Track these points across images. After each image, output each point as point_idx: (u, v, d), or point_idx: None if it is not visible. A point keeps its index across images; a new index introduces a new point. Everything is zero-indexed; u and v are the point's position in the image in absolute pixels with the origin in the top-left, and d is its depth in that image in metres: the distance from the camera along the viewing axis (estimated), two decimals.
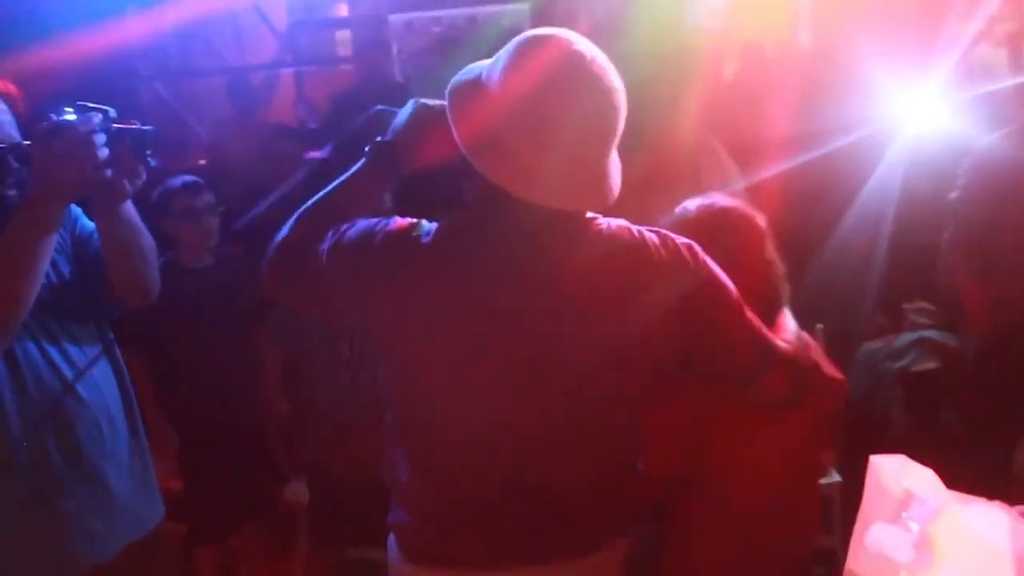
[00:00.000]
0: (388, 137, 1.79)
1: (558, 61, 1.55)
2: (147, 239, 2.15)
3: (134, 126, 1.98)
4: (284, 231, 1.79)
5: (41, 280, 1.97)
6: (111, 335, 2.26)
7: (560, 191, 1.57)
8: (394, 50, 5.42)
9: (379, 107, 1.90)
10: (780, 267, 2.01)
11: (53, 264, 2.05)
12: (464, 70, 1.68)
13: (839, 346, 2.03)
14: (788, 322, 1.93)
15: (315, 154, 4.91)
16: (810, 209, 3.52)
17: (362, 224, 1.71)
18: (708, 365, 1.78)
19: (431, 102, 1.74)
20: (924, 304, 3.52)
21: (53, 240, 1.97)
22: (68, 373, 2.10)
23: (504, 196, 1.58)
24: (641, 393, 1.75)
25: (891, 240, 3.67)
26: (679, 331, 1.68)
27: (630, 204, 1.73)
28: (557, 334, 1.64)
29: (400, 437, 1.80)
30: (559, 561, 1.74)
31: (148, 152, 1.99)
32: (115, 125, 1.94)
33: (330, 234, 1.72)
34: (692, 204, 2.04)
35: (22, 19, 4.05)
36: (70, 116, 1.91)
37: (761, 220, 2.01)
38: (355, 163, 1.81)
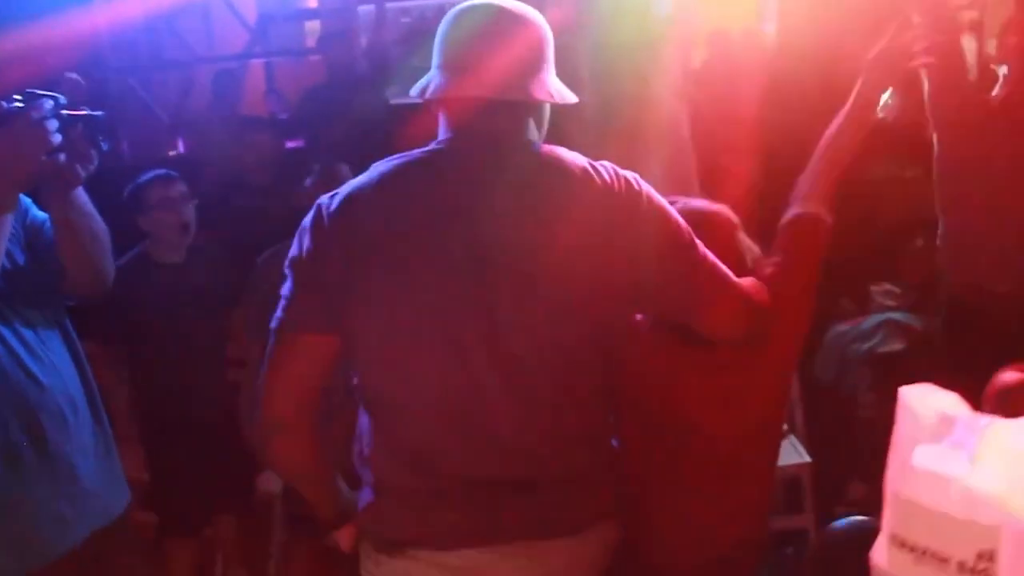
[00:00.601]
0: None
1: (483, 9, 1.73)
2: (100, 225, 2.14)
3: (85, 112, 1.97)
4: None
5: None
6: (68, 322, 2.25)
7: (480, 81, 1.69)
8: (363, 41, 5.42)
9: None
10: (756, 251, 2.02)
11: (7, 253, 2.03)
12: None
13: (811, 328, 2.05)
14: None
15: (290, 144, 4.92)
16: (779, 197, 3.56)
17: (296, 235, 1.76)
18: (655, 295, 1.77)
19: None
20: (890, 286, 3.58)
21: (8, 224, 1.97)
22: (28, 361, 2.09)
23: (443, 115, 1.74)
24: (593, 328, 1.74)
25: (857, 224, 3.72)
26: (624, 256, 1.69)
27: None
28: (504, 261, 1.66)
29: (366, 403, 1.80)
30: (528, 540, 1.73)
31: (100, 137, 1.99)
32: (66, 111, 1.94)
33: (275, 329, 1.74)
34: None
35: None
36: (19, 103, 1.90)
37: (729, 213, 2.03)
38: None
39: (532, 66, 1.73)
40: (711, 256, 1.78)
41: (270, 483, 3.50)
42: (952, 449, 1.18)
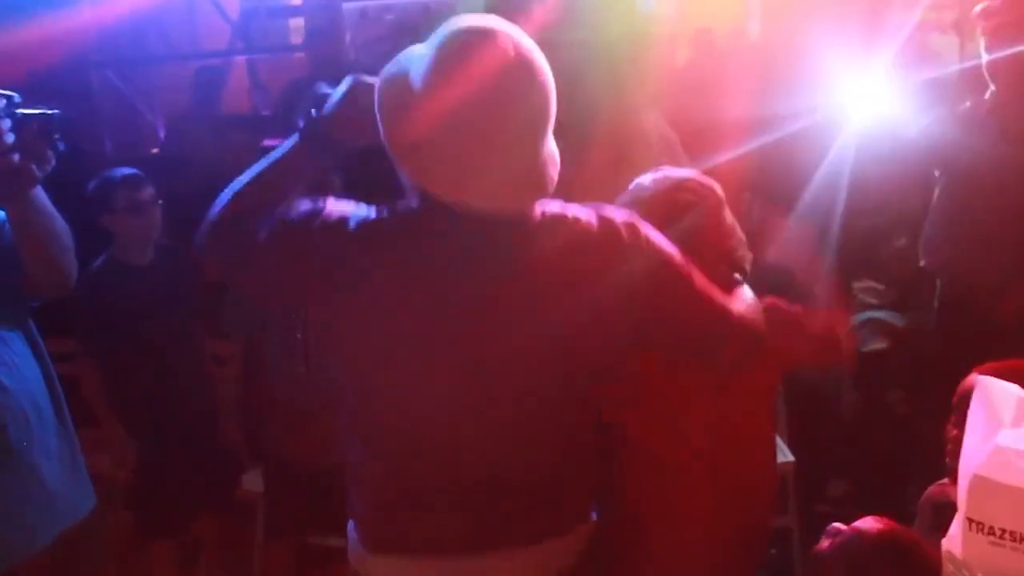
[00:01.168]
0: (323, 112, 1.73)
1: (482, 61, 1.52)
2: (61, 225, 2.11)
3: (40, 111, 1.94)
4: (219, 205, 1.73)
5: None
6: (32, 324, 2.22)
7: (493, 192, 1.55)
8: (347, 38, 5.40)
9: (321, 88, 1.87)
10: (741, 234, 2.01)
11: None
12: (395, 60, 1.65)
13: None
14: (745, 293, 1.93)
15: (272, 142, 4.88)
16: (763, 195, 3.57)
17: (302, 209, 1.67)
18: (661, 342, 1.78)
19: (368, 78, 1.69)
20: (872, 284, 3.60)
21: None
22: None
23: (437, 200, 1.57)
24: (592, 380, 1.75)
25: (841, 222, 3.74)
26: (627, 312, 1.67)
27: (588, 188, 1.75)
28: (501, 326, 1.63)
29: (352, 423, 1.79)
30: (512, 547, 1.74)
31: (56, 136, 1.96)
32: (20, 110, 1.91)
33: (271, 217, 1.67)
34: (647, 179, 2.01)
35: None
36: None
37: (717, 188, 2.01)
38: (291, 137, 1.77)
39: (542, 137, 1.60)
40: (708, 290, 1.75)
41: (253, 483, 3.49)
42: None
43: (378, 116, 1.60)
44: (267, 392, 3.12)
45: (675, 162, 3.37)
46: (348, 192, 1.78)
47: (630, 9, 3.81)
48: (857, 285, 3.63)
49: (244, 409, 3.50)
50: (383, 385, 1.69)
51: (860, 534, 1.67)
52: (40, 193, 2.04)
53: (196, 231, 1.78)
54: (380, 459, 1.76)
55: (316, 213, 1.66)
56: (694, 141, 3.69)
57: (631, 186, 2.03)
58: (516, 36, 1.57)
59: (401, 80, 1.60)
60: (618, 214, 1.71)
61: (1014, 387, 1.28)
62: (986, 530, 1.20)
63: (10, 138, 1.88)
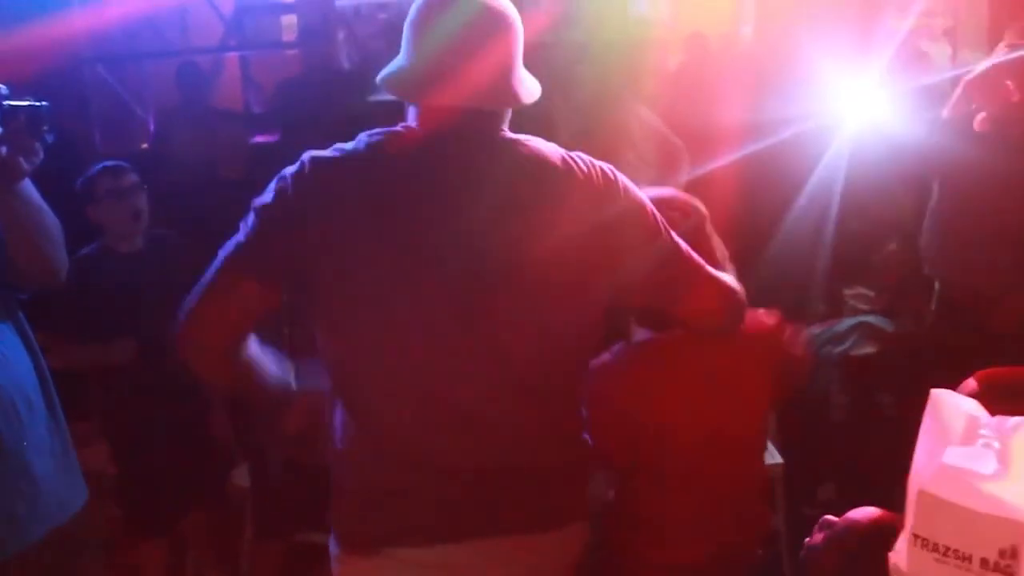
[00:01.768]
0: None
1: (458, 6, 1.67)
2: (50, 218, 2.09)
3: (27, 102, 1.91)
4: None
5: None
6: (21, 315, 2.19)
7: (462, 91, 1.65)
8: (340, 36, 5.40)
9: None
10: (724, 249, 2.03)
11: None
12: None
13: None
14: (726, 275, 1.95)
15: (262, 139, 4.88)
16: (755, 199, 3.59)
17: (268, 188, 1.71)
18: (636, 288, 1.78)
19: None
20: (863, 290, 3.61)
21: None
22: None
23: (420, 114, 1.70)
24: (576, 322, 1.73)
25: (833, 228, 3.76)
26: (603, 248, 1.69)
27: None
28: (486, 256, 1.64)
29: (338, 395, 1.77)
30: (503, 536, 1.72)
31: (44, 128, 1.93)
32: (7, 102, 1.88)
33: (237, 233, 1.71)
34: None
35: None
36: None
37: (699, 204, 2.04)
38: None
39: (512, 67, 1.71)
40: (685, 246, 1.79)
41: (242, 479, 3.48)
42: (982, 449, 1.20)
43: (385, 87, 1.72)
44: (254, 387, 3.11)
45: (671, 160, 3.39)
46: None
47: (624, 12, 3.82)
48: (848, 292, 3.65)
49: (233, 404, 3.49)
50: (364, 331, 1.68)
51: (853, 524, 1.67)
52: (29, 186, 2.01)
53: (183, 223, 1.79)
54: (366, 431, 1.72)
55: (283, 181, 1.69)
56: (686, 145, 3.70)
57: None
58: None
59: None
60: (615, 170, 1.76)
61: (967, 403, 1.28)
62: (931, 547, 1.20)
63: None
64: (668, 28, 5.11)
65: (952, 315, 3.28)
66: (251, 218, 1.70)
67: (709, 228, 2.02)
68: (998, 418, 1.24)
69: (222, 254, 1.72)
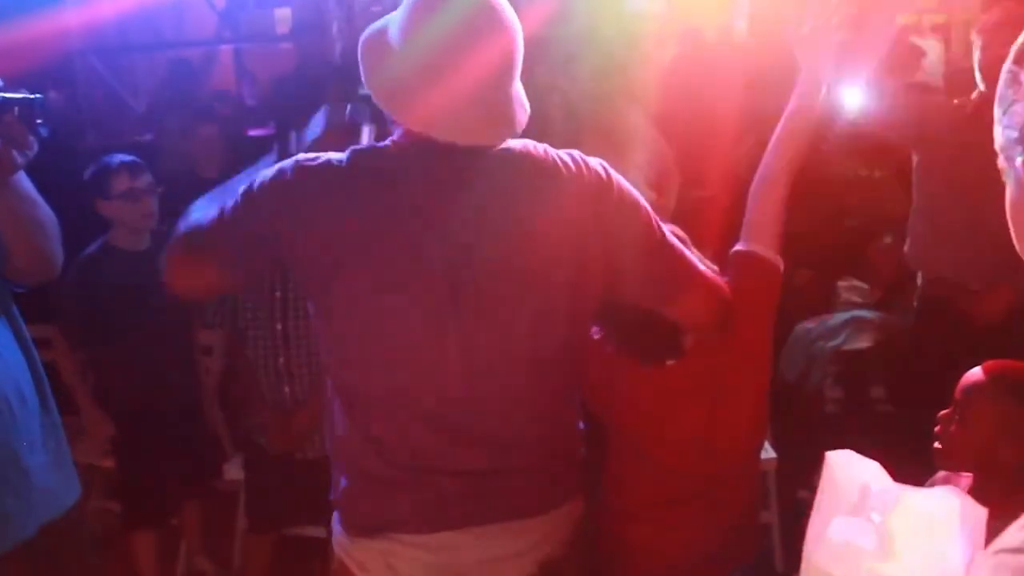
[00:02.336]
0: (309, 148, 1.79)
1: (453, 3, 1.60)
2: (45, 211, 2.08)
3: (21, 95, 1.90)
4: (173, 248, 1.77)
5: None
6: (15, 309, 2.17)
7: (464, 127, 1.61)
8: (333, 29, 5.38)
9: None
10: (714, 268, 2.02)
11: None
12: (373, 24, 1.71)
13: (778, 324, 2.06)
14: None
15: (256, 132, 4.87)
16: (748, 194, 3.58)
17: (272, 167, 1.70)
18: (629, 287, 1.77)
19: (338, 104, 1.77)
20: (856, 282, 3.62)
21: None
22: None
23: (417, 134, 1.62)
24: (568, 323, 1.73)
25: (825, 221, 3.76)
26: (596, 247, 1.68)
27: None
28: (476, 259, 1.64)
29: (337, 389, 1.78)
30: (501, 523, 1.74)
31: (39, 121, 1.93)
32: (1, 94, 1.87)
33: (240, 189, 1.70)
34: None
35: None
36: None
37: (677, 230, 2.03)
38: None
39: (509, 94, 1.66)
40: (679, 244, 1.78)
41: (234, 471, 3.48)
42: (865, 522, 1.20)
43: (360, 65, 1.66)
44: (250, 382, 3.12)
45: (661, 160, 3.38)
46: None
47: (620, 7, 3.81)
48: (842, 284, 3.65)
49: (226, 398, 3.49)
50: (362, 328, 1.68)
51: (969, 380, 1.68)
52: (23, 179, 2.00)
53: (174, 218, 1.79)
54: (365, 423, 1.73)
55: (285, 167, 1.68)
56: (680, 140, 3.70)
57: None
58: None
59: (380, 32, 1.68)
60: (607, 166, 1.74)
61: (863, 468, 1.27)
62: None
63: None
64: (663, 22, 5.09)
65: (935, 308, 3.29)
66: (231, 199, 1.70)
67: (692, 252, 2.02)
68: (881, 490, 1.22)
69: (187, 226, 1.74)
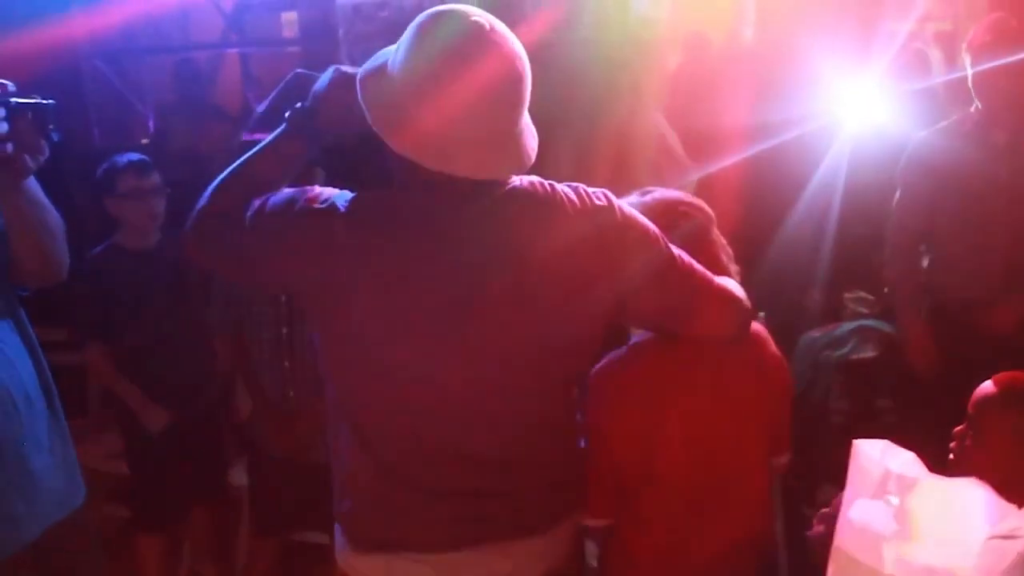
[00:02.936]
0: (307, 103, 1.78)
1: (457, 33, 1.57)
2: (53, 215, 2.10)
3: (34, 100, 1.92)
4: (204, 198, 1.78)
5: None
6: (22, 312, 2.19)
7: (473, 160, 1.59)
8: (340, 33, 5.38)
9: (299, 71, 1.87)
10: (729, 251, 2.02)
11: None
12: (373, 57, 1.69)
13: (785, 335, 2.05)
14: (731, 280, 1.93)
15: (259, 136, 4.86)
16: (755, 202, 3.58)
17: (284, 193, 1.71)
18: (645, 313, 1.78)
19: (349, 69, 1.74)
20: (863, 294, 3.61)
21: None
22: None
23: (420, 168, 1.60)
24: (573, 351, 1.74)
25: (834, 231, 3.75)
26: (604, 277, 1.68)
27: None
28: (483, 295, 1.64)
29: (340, 412, 1.79)
30: (503, 541, 1.75)
31: (51, 126, 1.94)
32: (14, 99, 1.88)
33: (254, 203, 1.70)
34: (634, 198, 2.02)
35: None
36: None
37: (704, 206, 2.03)
38: (276, 129, 1.80)
39: (517, 118, 1.64)
40: (690, 260, 1.77)
41: (238, 477, 3.48)
42: (884, 505, 1.20)
43: (361, 99, 1.63)
44: (254, 387, 3.11)
45: (674, 163, 3.38)
46: (329, 182, 1.79)
47: (626, 12, 3.81)
48: (848, 296, 3.65)
49: (231, 403, 3.48)
50: (368, 363, 1.69)
51: (982, 394, 1.68)
52: (33, 183, 2.02)
53: (180, 220, 1.79)
54: (370, 445, 1.74)
55: (297, 199, 1.69)
56: (687, 146, 3.70)
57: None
58: (488, 15, 1.61)
59: (383, 69, 1.65)
60: (594, 189, 1.73)
61: (888, 457, 1.27)
62: None
63: (3, 127, 1.85)
64: (669, 28, 5.09)
65: (943, 320, 3.28)
66: (284, 204, 1.70)
67: (715, 231, 2.01)
68: (903, 473, 1.22)
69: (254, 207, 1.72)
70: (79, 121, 5.04)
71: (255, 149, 1.80)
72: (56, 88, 2.01)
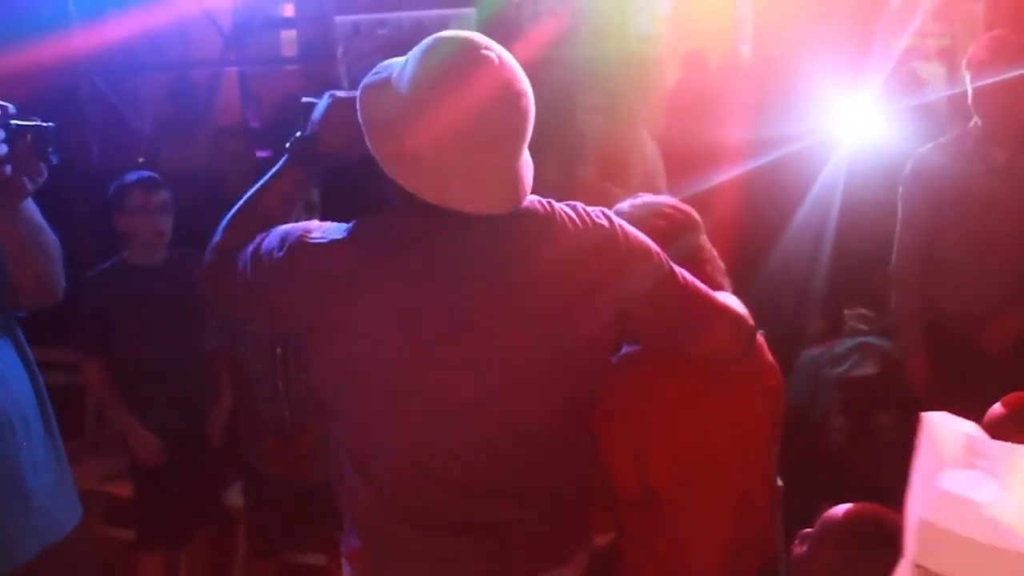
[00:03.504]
0: (307, 132, 1.77)
1: (464, 65, 1.54)
2: (50, 237, 2.09)
3: (34, 122, 1.91)
4: (217, 234, 1.80)
5: None
6: (20, 332, 2.18)
7: (470, 195, 1.56)
8: (339, 52, 5.40)
9: (305, 99, 1.87)
10: (720, 262, 2.01)
11: None
12: (376, 69, 1.66)
13: (783, 352, 2.04)
14: (728, 295, 1.92)
15: (263, 154, 4.86)
16: (753, 218, 3.59)
17: (277, 232, 1.70)
18: (649, 332, 1.77)
19: (344, 94, 1.73)
20: (863, 311, 3.61)
21: None
22: None
23: (417, 199, 1.57)
24: (580, 373, 1.72)
25: (831, 248, 3.76)
26: (606, 297, 1.66)
27: (582, 200, 1.75)
28: (484, 316, 1.62)
29: (345, 448, 1.77)
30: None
31: (50, 149, 1.93)
32: (14, 121, 1.88)
33: (251, 244, 1.70)
34: (625, 204, 2.03)
35: None
36: None
37: (693, 213, 2.02)
38: (279, 160, 1.81)
39: (519, 155, 1.62)
40: (692, 278, 1.76)
41: (233, 496, 3.46)
42: (981, 474, 1.18)
43: (363, 124, 1.61)
44: (250, 407, 3.10)
45: (649, 181, 3.39)
46: (325, 205, 1.79)
47: (624, 30, 3.83)
48: (848, 312, 3.64)
49: (228, 423, 3.47)
50: (373, 399, 1.67)
51: (832, 519, 1.67)
52: (30, 205, 2.01)
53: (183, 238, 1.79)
54: (378, 485, 1.73)
55: (288, 236, 1.68)
56: (684, 162, 3.70)
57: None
58: (497, 48, 1.59)
59: (384, 88, 1.61)
60: (592, 208, 1.72)
61: (964, 425, 1.26)
62: None
63: (2, 149, 1.85)
64: (667, 46, 5.12)
65: (942, 336, 3.28)
66: (272, 249, 1.69)
67: (704, 239, 2.01)
68: (995, 442, 1.21)
69: (250, 253, 1.73)
70: (77, 139, 5.04)
71: (260, 183, 1.81)
72: (54, 106, 2.01)
